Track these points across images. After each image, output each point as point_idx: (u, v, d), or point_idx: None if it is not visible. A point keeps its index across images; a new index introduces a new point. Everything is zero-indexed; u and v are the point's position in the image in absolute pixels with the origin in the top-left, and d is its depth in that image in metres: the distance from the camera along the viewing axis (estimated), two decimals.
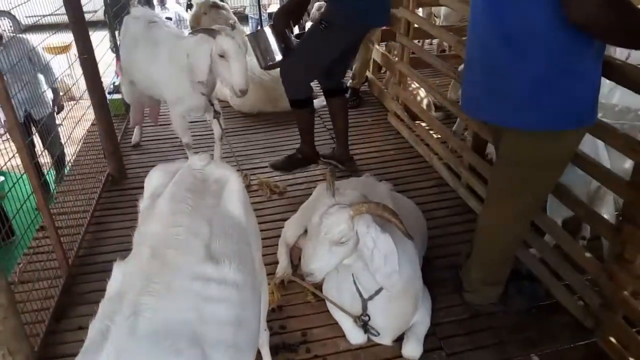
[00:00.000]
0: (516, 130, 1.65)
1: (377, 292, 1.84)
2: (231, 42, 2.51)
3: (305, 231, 2.38)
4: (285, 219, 2.61)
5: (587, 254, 2.00)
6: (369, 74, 4.55)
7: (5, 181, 3.78)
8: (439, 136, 3.35)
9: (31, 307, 2.13)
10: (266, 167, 3.32)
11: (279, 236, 2.55)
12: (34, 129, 3.74)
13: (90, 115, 3.30)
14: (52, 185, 3.59)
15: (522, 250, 2.33)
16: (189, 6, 8.39)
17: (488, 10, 1.60)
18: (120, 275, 1.09)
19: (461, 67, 3.17)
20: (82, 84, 3.04)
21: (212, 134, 3.28)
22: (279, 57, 2.77)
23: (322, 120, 4.06)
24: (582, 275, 2.08)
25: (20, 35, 3.76)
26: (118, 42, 3.88)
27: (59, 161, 3.77)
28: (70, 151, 3.54)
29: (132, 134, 3.76)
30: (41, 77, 3.88)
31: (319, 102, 4.32)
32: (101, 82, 3.07)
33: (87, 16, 2.96)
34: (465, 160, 2.89)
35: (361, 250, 1.72)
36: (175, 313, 1.00)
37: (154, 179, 1.39)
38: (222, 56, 2.54)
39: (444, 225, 2.75)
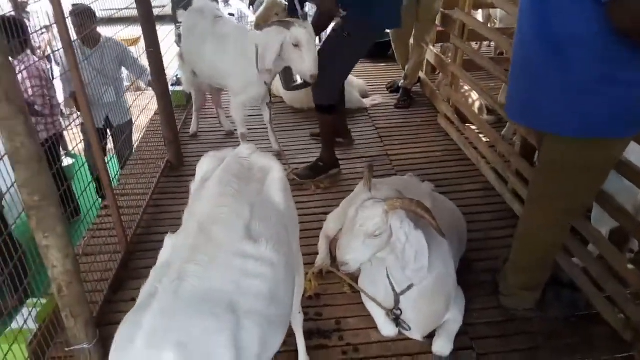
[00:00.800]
0: (557, 136, 1.66)
1: (410, 287, 1.90)
2: (304, 32, 2.69)
3: None
4: (327, 213, 2.70)
5: (630, 266, 1.96)
6: (421, 74, 4.55)
7: (75, 163, 4.10)
8: (488, 140, 3.33)
9: (92, 278, 2.34)
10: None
11: (321, 229, 2.64)
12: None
13: (154, 105, 3.52)
14: (115, 169, 3.86)
15: (565, 258, 2.30)
16: (252, 3, 8.69)
17: (532, 14, 1.61)
18: (170, 246, 1.22)
19: None
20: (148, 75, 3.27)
21: (264, 128, 3.49)
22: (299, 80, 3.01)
23: (371, 119, 4.12)
24: (625, 288, 2.03)
25: (115, 38, 3.93)
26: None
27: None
28: (134, 137, 3.80)
29: (191, 125, 3.98)
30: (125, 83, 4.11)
31: (369, 101, 4.39)
32: (165, 75, 3.28)
33: (156, 11, 3.17)
34: (513, 166, 2.86)
35: (394, 244, 1.77)
36: (216, 282, 1.11)
37: (204, 164, 1.52)
38: (295, 45, 2.71)
39: (487, 229, 2.74)
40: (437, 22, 4.17)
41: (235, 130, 3.59)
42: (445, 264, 1.96)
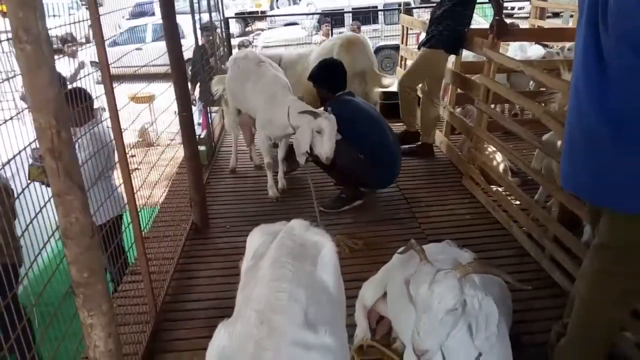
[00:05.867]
0: (623, 213, 1.61)
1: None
2: (327, 123, 3.18)
3: (385, 294, 2.37)
4: (362, 279, 2.60)
5: None
6: (440, 134, 4.59)
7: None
8: (519, 203, 3.28)
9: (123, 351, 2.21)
10: (346, 223, 3.40)
11: (355, 297, 2.53)
12: None
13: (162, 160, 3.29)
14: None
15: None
16: None
17: (589, 86, 1.59)
18: (226, 336, 1.16)
19: (545, 136, 3.15)
20: (160, 130, 3.38)
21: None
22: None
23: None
24: None
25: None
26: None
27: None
28: (145, 194, 3.53)
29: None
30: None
31: None
32: (195, 137, 3.28)
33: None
34: (550, 232, 2.80)
35: (469, 314, 1.63)
36: None
37: (254, 240, 1.48)
38: (318, 132, 3.20)
39: (527, 299, 2.64)
40: (457, 86, 4.25)
41: (263, 164, 3.94)
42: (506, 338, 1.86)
